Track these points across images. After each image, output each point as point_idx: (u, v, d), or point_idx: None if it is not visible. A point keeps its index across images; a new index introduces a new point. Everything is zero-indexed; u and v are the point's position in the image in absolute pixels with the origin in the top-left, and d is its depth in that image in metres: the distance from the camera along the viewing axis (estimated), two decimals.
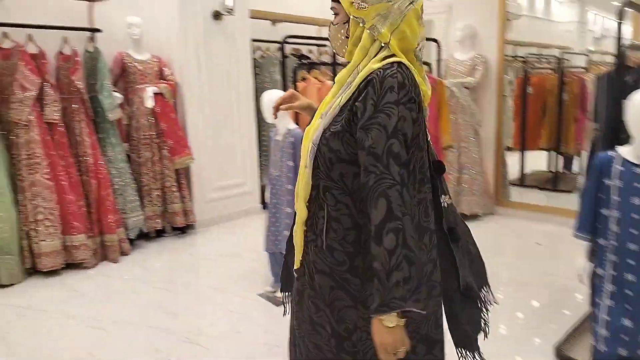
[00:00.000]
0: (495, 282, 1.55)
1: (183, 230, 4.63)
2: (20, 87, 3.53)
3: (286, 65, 4.32)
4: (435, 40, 4.90)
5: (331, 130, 1.23)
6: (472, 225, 1.86)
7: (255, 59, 5.27)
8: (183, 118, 4.62)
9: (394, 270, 1.08)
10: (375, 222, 1.12)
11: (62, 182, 3.68)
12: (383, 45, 1.23)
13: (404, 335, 1.15)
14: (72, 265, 3.78)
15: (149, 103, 4.23)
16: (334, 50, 1.38)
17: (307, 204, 1.30)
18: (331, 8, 1.30)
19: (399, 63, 1.20)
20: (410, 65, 1.22)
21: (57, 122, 3.74)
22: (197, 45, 4.62)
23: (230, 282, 3.56)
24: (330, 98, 1.31)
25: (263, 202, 5.29)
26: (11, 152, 3.63)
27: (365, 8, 1.22)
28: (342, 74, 1.29)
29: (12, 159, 3.63)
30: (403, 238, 1.10)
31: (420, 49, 1.27)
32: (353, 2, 1.23)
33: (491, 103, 4.97)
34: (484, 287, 1.48)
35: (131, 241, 4.20)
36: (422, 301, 1.12)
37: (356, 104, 1.20)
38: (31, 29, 3.70)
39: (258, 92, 5.08)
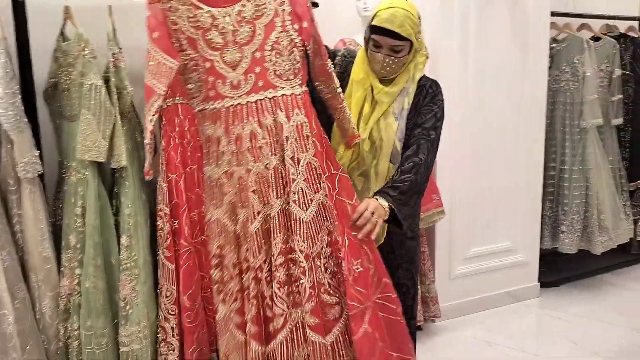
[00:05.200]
0: None
1: (419, 327, 2.85)
2: None
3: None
4: None
5: (409, 126, 1.75)
6: None
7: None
8: None
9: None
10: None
11: None
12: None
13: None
14: None
15: None
16: (382, 75, 1.74)
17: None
18: (397, 46, 1.68)
19: None
20: None
21: None
22: (464, 20, 2.79)
23: None
24: (368, 106, 1.76)
25: (545, 281, 3.28)
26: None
27: (421, 39, 1.76)
28: (391, 89, 1.74)
29: None
30: None
31: None
32: (417, 37, 1.72)
33: None
34: None
35: None
36: None
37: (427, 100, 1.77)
38: None
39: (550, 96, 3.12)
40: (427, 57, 1.81)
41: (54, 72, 2.17)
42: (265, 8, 1.44)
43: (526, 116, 3.02)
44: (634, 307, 3.10)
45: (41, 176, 2.03)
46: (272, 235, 1.45)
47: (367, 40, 1.75)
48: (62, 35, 2.15)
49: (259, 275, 1.47)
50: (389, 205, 1.55)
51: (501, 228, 3.08)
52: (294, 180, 1.46)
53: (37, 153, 1.96)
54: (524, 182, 3.10)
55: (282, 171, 1.47)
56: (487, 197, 3.00)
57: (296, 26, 1.47)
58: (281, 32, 1.46)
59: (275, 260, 1.45)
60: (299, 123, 1.48)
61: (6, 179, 1.94)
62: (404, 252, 1.84)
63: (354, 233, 1.51)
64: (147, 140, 1.48)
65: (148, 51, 1.43)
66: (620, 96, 3.34)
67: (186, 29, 1.43)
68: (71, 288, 2.01)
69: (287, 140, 1.46)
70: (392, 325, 1.52)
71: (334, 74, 1.60)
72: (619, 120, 3.36)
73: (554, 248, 3.36)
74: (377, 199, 1.55)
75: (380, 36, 1.67)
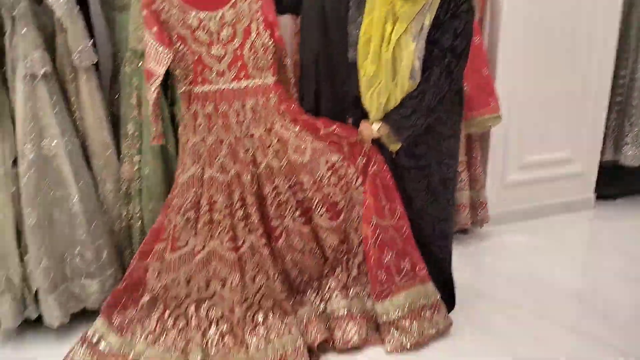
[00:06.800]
0: None
1: (465, 230, 2.86)
2: None
3: None
4: None
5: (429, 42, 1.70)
6: None
7: None
8: (492, 47, 2.68)
9: None
10: None
11: None
12: None
13: None
14: None
15: None
16: None
17: None
18: None
19: None
20: None
21: None
22: None
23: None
24: (384, 22, 1.73)
25: (602, 194, 3.17)
26: None
27: None
28: (413, 6, 1.67)
29: None
30: None
31: None
32: None
33: None
34: None
35: None
36: None
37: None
38: None
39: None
40: None
41: None
42: (242, 15, 1.85)
43: (597, 18, 2.77)
44: None
45: (96, 66, 2.08)
46: (271, 179, 1.97)
47: None
48: None
49: (263, 204, 1.98)
50: (379, 128, 1.83)
51: (560, 136, 2.95)
52: (288, 140, 1.95)
53: (90, 42, 1.99)
54: (590, 88, 2.91)
55: (267, 139, 1.95)
56: (548, 102, 2.85)
57: (269, 32, 1.88)
58: (256, 37, 1.87)
59: (284, 193, 1.97)
60: (274, 102, 1.93)
61: (63, 68, 1.99)
62: (444, 150, 1.88)
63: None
64: (150, 113, 1.88)
65: (147, 42, 1.83)
66: None
67: (176, 28, 1.84)
68: (131, 174, 2.12)
69: (270, 115, 1.94)
70: (385, 188, 1.95)
71: (289, 69, 2.00)
72: None
73: (615, 160, 3.20)
74: (372, 124, 1.85)
75: None
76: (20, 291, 1.98)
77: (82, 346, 1.92)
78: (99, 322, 1.98)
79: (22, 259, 1.98)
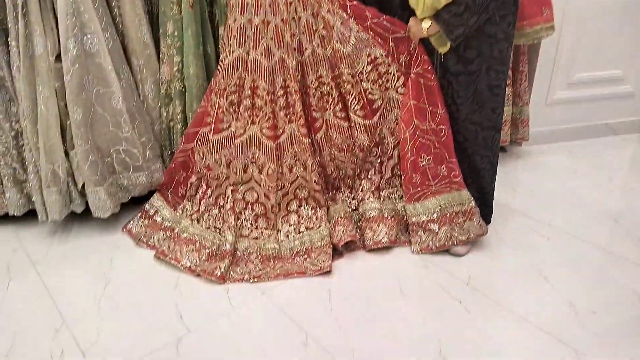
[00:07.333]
0: None
1: (503, 147, 2.81)
2: None
3: None
4: None
5: None
6: None
7: None
8: None
9: None
10: None
11: None
12: None
13: None
14: None
15: None
16: None
17: None
18: None
19: None
20: None
21: None
22: None
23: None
24: None
25: None
26: None
27: None
28: None
29: None
30: None
31: None
32: None
33: None
34: None
35: None
36: None
37: None
38: None
39: None
40: None
41: None
42: None
43: None
44: None
45: None
46: (316, 67, 1.94)
47: None
48: None
49: (307, 92, 1.96)
50: (429, 27, 1.75)
51: (613, 53, 2.79)
52: (333, 26, 1.88)
53: None
54: None
55: (313, 24, 1.89)
56: (604, 16, 2.66)
57: None
58: None
59: (328, 84, 1.95)
60: None
61: None
62: (495, 54, 1.79)
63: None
64: None
65: None
66: None
67: None
68: (171, 74, 2.12)
69: None
70: (428, 90, 1.88)
71: None
72: None
73: None
74: (421, 21, 1.77)
75: None
76: (66, 185, 2.06)
77: (141, 217, 2.15)
78: (155, 198, 2.19)
79: (67, 154, 2.05)
